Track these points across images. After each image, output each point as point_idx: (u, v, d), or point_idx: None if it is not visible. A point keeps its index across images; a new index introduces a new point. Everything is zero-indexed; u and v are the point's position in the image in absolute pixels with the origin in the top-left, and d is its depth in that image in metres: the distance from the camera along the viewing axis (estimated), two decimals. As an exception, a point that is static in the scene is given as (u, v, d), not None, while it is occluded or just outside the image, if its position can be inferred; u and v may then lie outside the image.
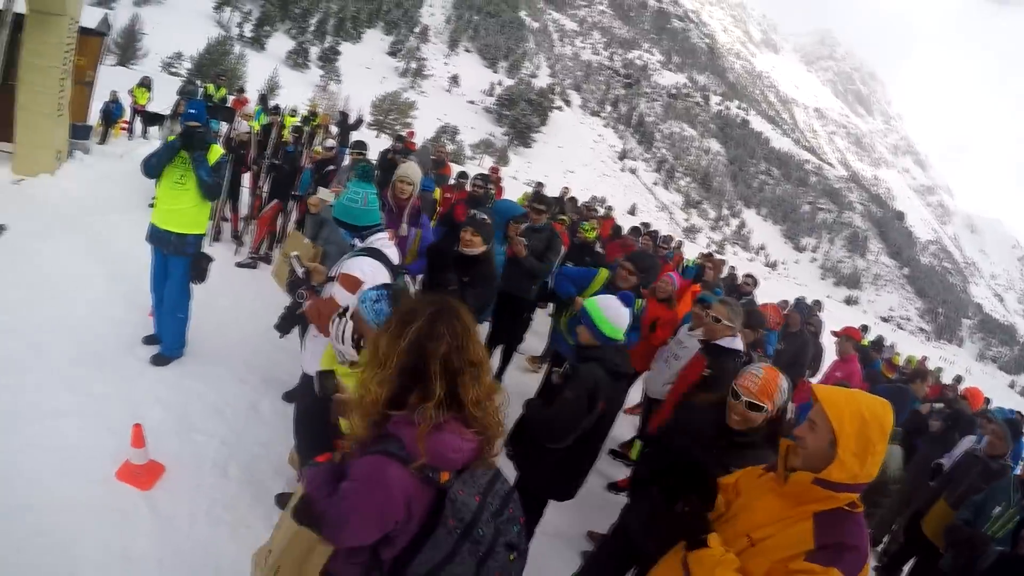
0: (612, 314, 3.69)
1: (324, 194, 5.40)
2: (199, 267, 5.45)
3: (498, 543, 1.87)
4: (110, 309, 6.06)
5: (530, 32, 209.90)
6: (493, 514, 1.90)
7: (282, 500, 3.95)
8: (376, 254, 3.68)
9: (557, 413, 3.59)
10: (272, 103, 16.00)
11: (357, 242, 3.86)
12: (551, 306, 7.86)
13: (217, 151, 5.31)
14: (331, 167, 8.31)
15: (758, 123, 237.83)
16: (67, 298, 5.96)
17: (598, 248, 9.05)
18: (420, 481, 1.85)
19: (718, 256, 14.76)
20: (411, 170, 5.95)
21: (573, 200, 14.86)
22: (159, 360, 5.40)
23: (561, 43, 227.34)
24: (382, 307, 2.50)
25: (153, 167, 5.24)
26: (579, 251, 8.53)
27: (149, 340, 5.63)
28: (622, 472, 6.16)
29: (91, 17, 12.11)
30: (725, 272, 13.32)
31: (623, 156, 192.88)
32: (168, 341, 5.49)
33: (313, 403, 2.31)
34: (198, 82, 24.46)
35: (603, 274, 5.87)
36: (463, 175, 11.22)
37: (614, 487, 5.88)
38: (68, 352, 5.06)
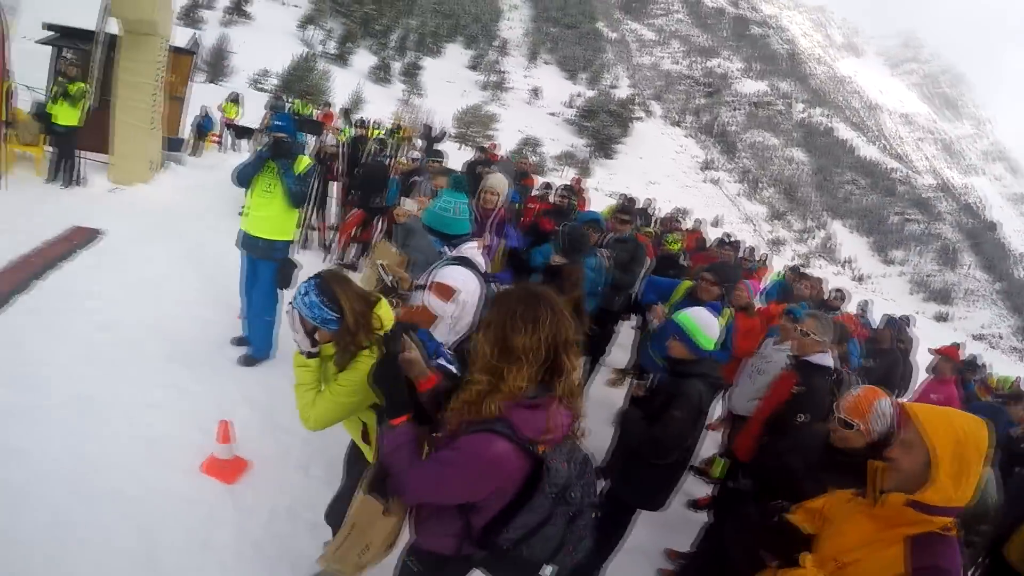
0: (704, 324, 3.65)
1: (409, 204, 5.46)
2: (285, 273, 5.58)
3: (584, 504, 2.16)
4: (202, 310, 6.30)
5: (608, 43, 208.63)
6: (577, 477, 2.13)
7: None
8: (466, 263, 3.67)
9: (666, 431, 3.55)
10: (357, 116, 16.38)
11: (447, 250, 3.86)
12: (636, 318, 7.73)
13: (305, 161, 5.43)
14: (416, 178, 8.41)
15: (843, 131, 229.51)
16: (161, 299, 6.24)
17: (683, 261, 8.88)
18: (523, 453, 2.01)
19: (810, 272, 14.20)
20: (497, 181, 5.96)
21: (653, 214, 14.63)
22: (247, 361, 5.57)
23: (640, 53, 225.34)
24: (311, 299, 2.53)
25: (244, 176, 5.44)
26: (664, 263, 8.39)
27: (238, 341, 5.82)
28: (702, 490, 5.96)
29: (181, 37, 12.65)
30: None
31: (706, 167, 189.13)
32: (256, 343, 5.65)
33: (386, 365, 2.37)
34: (285, 97, 25.30)
35: (684, 285, 5.76)
36: (547, 186, 11.22)
37: (694, 505, 5.71)
38: (162, 350, 5.30)
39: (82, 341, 5.11)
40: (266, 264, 5.53)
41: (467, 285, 3.54)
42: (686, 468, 3.99)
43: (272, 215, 5.42)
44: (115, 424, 4.19)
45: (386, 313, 2.72)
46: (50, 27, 12.32)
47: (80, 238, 7.52)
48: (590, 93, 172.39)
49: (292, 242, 5.76)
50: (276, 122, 5.52)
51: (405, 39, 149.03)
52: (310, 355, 2.68)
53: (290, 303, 2.64)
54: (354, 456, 3.12)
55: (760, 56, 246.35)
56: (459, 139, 75.09)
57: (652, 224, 12.12)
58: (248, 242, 5.52)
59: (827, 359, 4.46)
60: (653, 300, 5.54)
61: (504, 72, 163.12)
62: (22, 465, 3.66)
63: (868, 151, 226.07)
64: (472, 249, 3.84)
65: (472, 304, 3.55)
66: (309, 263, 7.44)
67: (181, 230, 8.44)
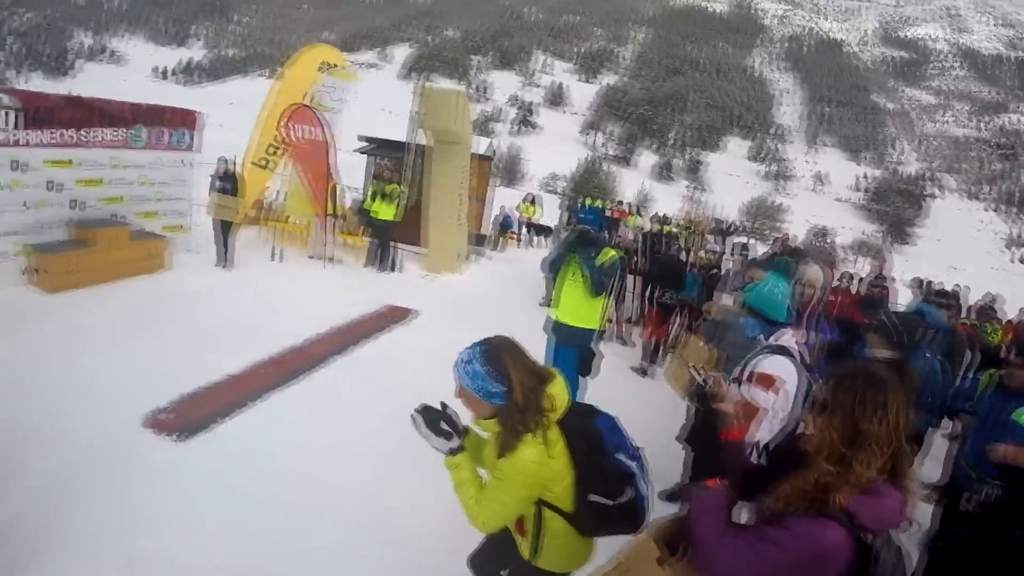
0: None
1: (725, 299, 5.40)
2: (587, 360, 5.67)
3: None
4: None
5: (888, 115, 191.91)
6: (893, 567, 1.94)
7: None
8: (785, 352, 3.55)
9: None
10: (654, 212, 16.77)
11: (761, 339, 3.77)
12: (950, 424, 6.75)
13: (610, 253, 5.57)
14: (715, 271, 8.36)
15: None
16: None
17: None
18: (853, 541, 1.83)
19: None
20: (815, 273, 5.70)
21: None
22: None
23: (923, 121, 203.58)
24: (475, 368, 2.22)
25: (550, 264, 5.80)
26: (983, 357, 7.43)
27: None
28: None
29: (479, 144, 14.09)
30: None
31: (1011, 244, 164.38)
32: None
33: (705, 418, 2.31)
34: (579, 197, 26.73)
35: (989, 373, 5.02)
36: (848, 276, 10.64)
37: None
38: (465, 420, 5.62)
39: (389, 401, 5.53)
40: (569, 350, 5.66)
41: (789, 375, 3.43)
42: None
43: (576, 303, 5.58)
44: (415, 479, 4.40)
45: (559, 393, 2.26)
46: (365, 139, 14.78)
47: (395, 316, 8.60)
48: (876, 172, 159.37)
49: (597, 331, 5.84)
50: (581, 215, 5.75)
51: (683, 136, 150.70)
52: (453, 451, 2.35)
53: (413, 412, 2.41)
54: (503, 544, 2.60)
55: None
56: (747, 233, 73.34)
57: (966, 314, 10.90)
58: (554, 327, 5.75)
59: None
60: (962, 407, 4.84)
61: (785, 160, 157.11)
62: (317, 491, 4.16)
63: None
64: (789, 338, 3.71)
65: (793, 395, 3.40)
66: (609, 356, 7.52)
67: (486, 315, 9.01)
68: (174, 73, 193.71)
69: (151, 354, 5.93)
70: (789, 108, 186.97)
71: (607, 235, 10.17)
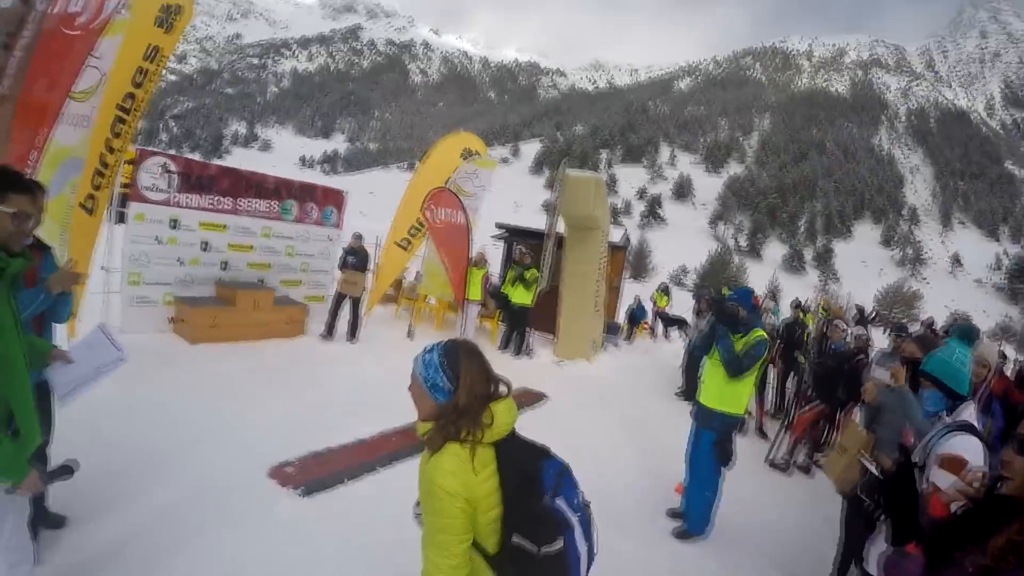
0: None
1: (880, 374, 4.94)
2: (725, 448, 5.24)
3: None
4: (638, 480, 6.27)
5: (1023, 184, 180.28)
6: None
7: None
8: (973, 430, 3.09)
9: None
10: (794, 299, 15.97)
11: (942, 416, 3.32)
12: None
13: (757, 333, 5.18)
14: (861, 357, 7.77)
15: None
16: (600, 463, 6.34)
17: None
18: None
19: None
20: (989, 350, 5.19)
21: None
22: (682, 535, 5.28)
23: None
24: (432, 358, 2.08)
25: (698, 343, 5.51)
26: None
27: (673, 514, 5.59)
28: None
29: (614, 233, 14.07)
30: None
31: None
32: (693, 517, 5.36)
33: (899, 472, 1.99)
34: (708, 287, 26.15)
35: None
36: (1002, 355, 9.69)
37: None
38: (598, 512, 5.28)
39: None
40: (708, 435, 5.29)
41: (977, 457, 2.95)
42: None
43: (718, 384, 5.22)
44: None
45: (504, 414, 2.07)
46: (502, 226, 15.66)
47: (527, 398, 8.41)
48: (1015, 248, 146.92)
49: (739, 418, 5.43)
50: (733, 295, 5.44)
51: (813, 223, 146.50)
52: None
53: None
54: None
55: None
56: (882, 321, 69.65)
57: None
58: (696, 410, 5.42)
59: None
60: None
61: (918, 242, 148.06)
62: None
63: None
64: (972, 413, 3.27)
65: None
66: (747, 447, 7.18)
67: (617, 402, 8.88)
68: (319, 162, 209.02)
69: (282, 410, 6.11)
70: (919, 186, 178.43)
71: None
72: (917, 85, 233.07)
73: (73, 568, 3.39)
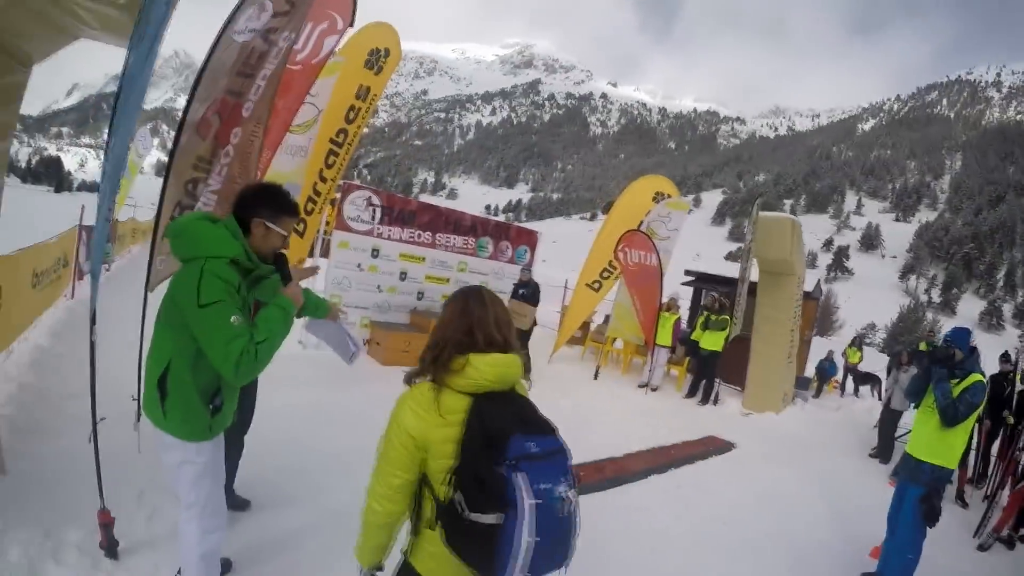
0: None
1: None
2: (932, 505, 4.83)
3: None
4: (827, 537, 5.98)
5: None
6: None
7: None
8: None
9: None
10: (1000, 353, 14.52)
11: None
12: None
13: (976, 378, 4.80)
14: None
15: None
16: (789, 516, 6.25)
17: None
18: None
19: None
20: None
21: None
22: (883, 598, 5.01)
23: None
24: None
25: (911, 389, 5.23)
26: None
27: None
28: None
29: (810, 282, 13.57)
30: None
31: None
32: None
33: None
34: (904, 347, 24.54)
35: None
36: None
37: None
38: (784, 562, 5.21)
39: (703, 529, 5.52)
40: (915, 490, 4.91)
41: None
42: None
43: (929, 433, 4.89)
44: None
45: (486, 368, 1.92)
46: (691, 273, 15.93)
47: (714, 445, 8.44)
48: None
49: (950, 472, 4.95)
50: (948, 337, 5.15)
51: (1012, 275, 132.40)
52: None
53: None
54: None
55: None
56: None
57: None
58: (903, 462, 5.14)
59: None
60: None
61: None
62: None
63: None
64: None
65: None
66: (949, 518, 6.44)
67: (810, 460, 8.58)
68: (503, 211, 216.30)
69: None
70: None
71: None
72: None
73: (249, 550, 3.64)
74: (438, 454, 1.89)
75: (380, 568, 2.18)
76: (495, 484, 1.76)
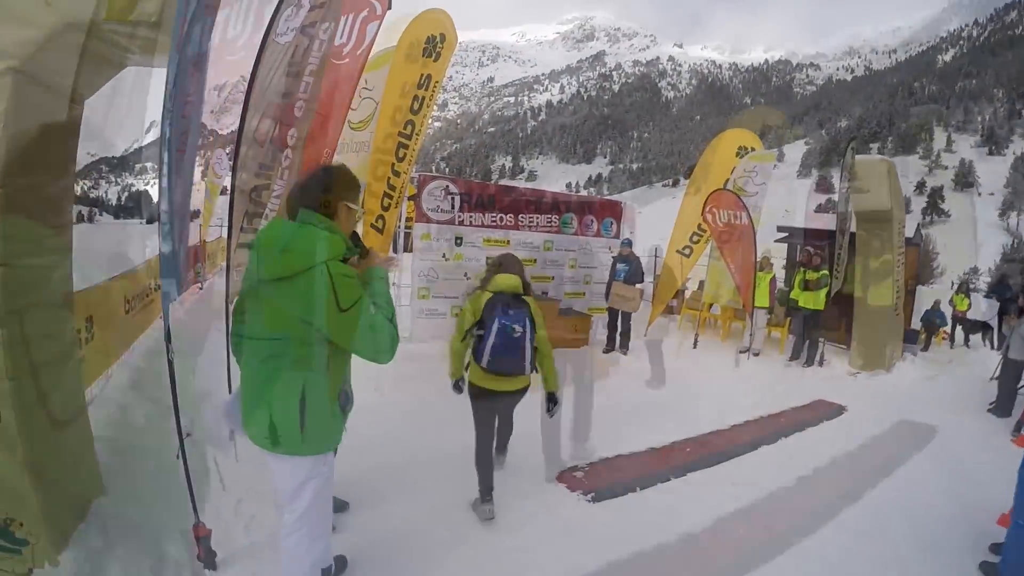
0: None
1: None
2: None
3: None
4: (948, 503, 5.43)
5: None
6: None
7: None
8: None
9: None
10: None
11: None
12: None
13: None
14: None
15: None
16: (907, 483, 5.77)
17: None
18: None
19: None
20: None
21: None
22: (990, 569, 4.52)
23: None
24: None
25: None
26: None
27: (997, 548, 4.78)
28: None
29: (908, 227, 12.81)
30: None
31: None
32: (1010, 564, 4.54)
33: None
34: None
35: None
36: None
37: None
38: (902, 533, 4.75)
39: (812, 497, 5.32)
40: None
41: None
42: None
43: None
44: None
45: (500, 281, 4.28)
46: (784, 228, 15.26)
47: (824, 410, 8.01)
48: None
49: None
50: None
51: None
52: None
53: None
54: None
55: None
56: None
57: None
58: None
59: None
60: None
61: None
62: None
63: None
64: None
65: None
66: None
67: (924, 420, 7.92)
68: (584, 187, 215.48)
69: (567, 416, 5.97)
70: None
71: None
72: None
73: (353, 549, 3.59)
74: (475, 314, 4.19)
75: (461, 377, 4.35)
76: (487, 321, 4.09)
